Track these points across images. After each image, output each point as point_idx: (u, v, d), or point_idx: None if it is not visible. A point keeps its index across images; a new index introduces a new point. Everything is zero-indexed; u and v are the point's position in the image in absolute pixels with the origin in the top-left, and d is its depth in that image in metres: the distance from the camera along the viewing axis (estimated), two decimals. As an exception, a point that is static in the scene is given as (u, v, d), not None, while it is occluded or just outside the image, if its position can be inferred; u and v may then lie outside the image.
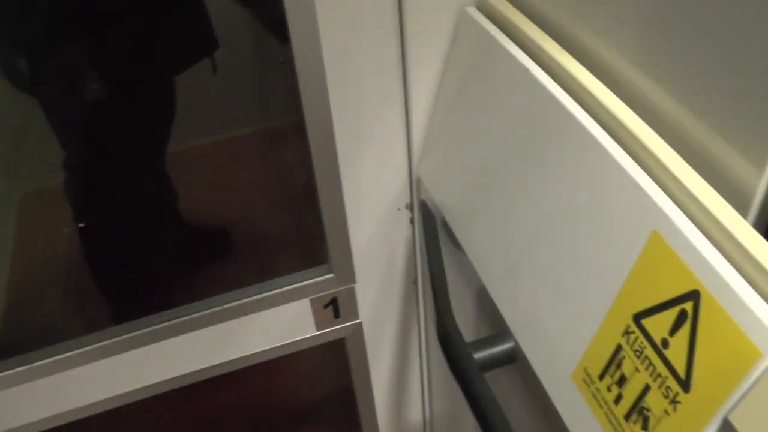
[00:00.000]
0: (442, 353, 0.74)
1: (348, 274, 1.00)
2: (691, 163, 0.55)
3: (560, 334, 0.62)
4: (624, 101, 0.61)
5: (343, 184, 0.90)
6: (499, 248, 0.71)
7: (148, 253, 1.76)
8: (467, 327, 0.79)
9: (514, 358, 0.69)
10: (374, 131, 0.88)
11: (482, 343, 0.69)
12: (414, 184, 0.94)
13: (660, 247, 0.52)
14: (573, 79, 0.65)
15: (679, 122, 0.58)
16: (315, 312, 1.02)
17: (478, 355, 0.68)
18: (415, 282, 1.06)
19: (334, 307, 1.03)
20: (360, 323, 1.07)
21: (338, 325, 1.06)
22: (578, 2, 0.68)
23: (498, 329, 0.74)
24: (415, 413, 1.31)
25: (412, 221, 0.98)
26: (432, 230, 0.82)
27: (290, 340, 1.04)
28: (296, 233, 1.93)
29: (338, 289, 1.01)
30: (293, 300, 0.99)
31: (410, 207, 0.96)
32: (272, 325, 1.01)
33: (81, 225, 1.67)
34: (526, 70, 0.68)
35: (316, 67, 0.80)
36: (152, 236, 1.80)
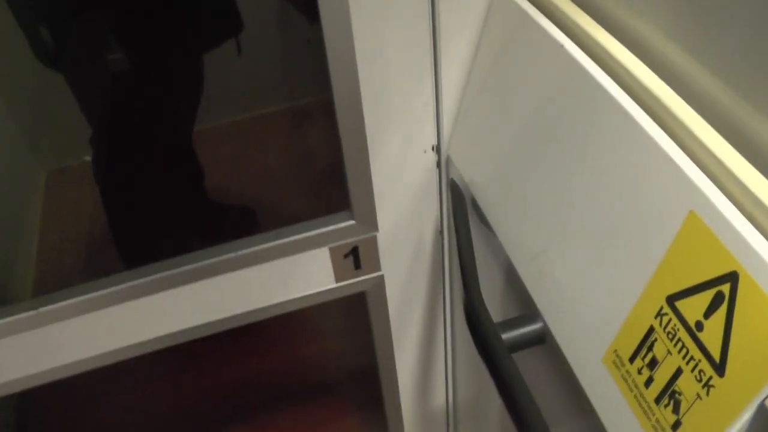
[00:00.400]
0: (467, 332, 0.74)
1: (370, 221, 0.95)
2: (731, 141, 0.53)
3: (591, 316, 0.61)
4: (660, 77, 0.60)
5: (371, 165, 0.89)
6: (529, 228, 0.70)
7: (174, 230, 1.78)
8: (494, 307, 0.78)
9: (543, 339, 0.68)
10: (403, 109, 0.87)
11: (510, 324, 0.68)
12: (443, 163, 0.93)
13: (697, 227, 0.50)
14: (608, 54, 0.63)
15: (718, 99, 0.56)
16: (334, 262, 0.98)
17: (506, 336, 0.67)
18: (442, 257, 1.05)
19: (355, 257, 0.99)
20: (381, 276, 1.04)
21: (359, 277, 1.02)
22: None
23: (525, 310, 0.73)
24: (438, 390, 1.30)
25: (440, 200, 0.97)
26: (461, 209, 0.81)
27: (309, 292, 1.01)
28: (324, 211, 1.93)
29: (360, 237, 0.97)
30: (312, 248, 0.95)
31: (438, 182, 0.95)
32: (290, 274, 0.98)
33: (107, 202, 1.68)
34: (561, 46, 0.66)
35: (346, 44, 0.78)
36: (179, 214, 1.81)
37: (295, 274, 0.98)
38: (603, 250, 0.60)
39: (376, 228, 0.97)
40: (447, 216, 0.97)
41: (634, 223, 0.57)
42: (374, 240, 0.98)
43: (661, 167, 0.55)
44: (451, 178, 0.89)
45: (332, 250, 0.96)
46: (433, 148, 0.92)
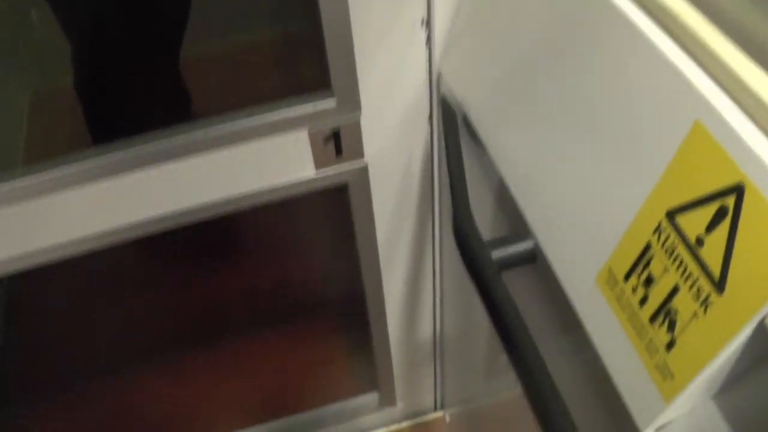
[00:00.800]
0: (456, 252, 0.71)
1: (352, 100, 0.88)
2: (739, 46, 0.50)
3: (585, 233, 0.59)
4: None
5: (353, 38, 0.83)
6: (523, 143, 0.67)
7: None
8: (484, 229, 0.76)
9: (534, 258, 0.66)
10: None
11: (501, 242, 0.66)
12: (434, 79, 0.89)
13: (702, 137, 0.47)
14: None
15: (725, 1, 0.53)
16: (314, 147, 0.91)
17: (496, 254, 0.65)
18: (432, 175, 1.02)
19: (336, 142, 0.92)
20: (366, 166, 0.97)
21: (340, 164, 0.95)
22: None
23: (517, 231, 0.71)
24: (425, 314, 1.29)
25: (430, 120, 0.94)
26: (452, 126, 0.78)
27: (286, 180, 0.94)
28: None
29: (341, 118, 0.89)
30: (289, 129, 0.88)
31: (430, 105, 0.92)
32: (265, 159, 0.92)
33: (91, 127, 1.64)
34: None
35: None
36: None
37: (271, 160, 0.92)
38: (601, 164, 0.57)
39: (358, 107, 0.89)
40: (437, 136, 0.94)
41: (635, 135, 0.54)
42: (357, 125, 0.92)
43: (664, 74, 0.51)
44: (443, 94, 0.85)
45: (312, 135, 0.90)
46: (422, 22, 0.84)
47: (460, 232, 0.66)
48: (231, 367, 1.65)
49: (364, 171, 0.97)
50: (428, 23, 0.85)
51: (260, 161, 0.92)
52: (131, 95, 1.64)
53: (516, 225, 0.71)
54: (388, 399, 1.38)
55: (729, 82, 0.48)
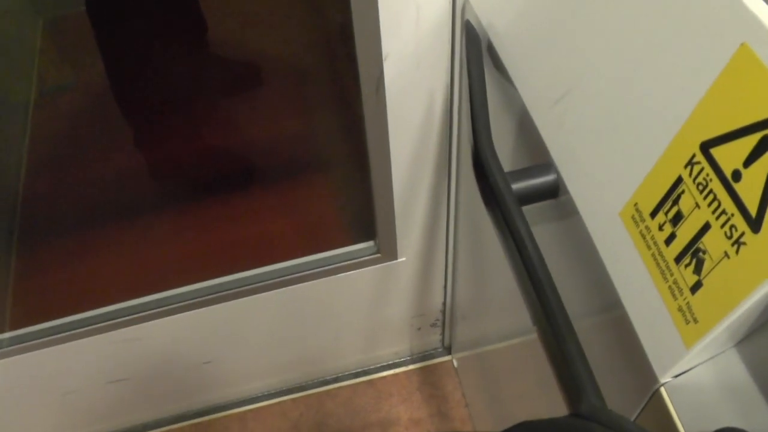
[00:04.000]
0: (473, 189, 0.68)
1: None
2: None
3: (612, 166, 0.55)
4: None
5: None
6: (551, 69, 0.63)
7: (176, 81, 1.71)
8: (505, 162, 0.72)
9: (556, 193, 0.62)
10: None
11: (521, 174, 0.62)
12: (458, 5, 0.84)
13: (748, 61, 0.43)
14: None
15: None
16: None
17: (516, 186, 0.61)
18: (450, 105, 0.97)
19: None
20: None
21: None
22: None
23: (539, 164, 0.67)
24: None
25: (452, 47, 0.89)
26: (476, 52, 0.73)
27: None
28: (328, 68, 1.86)
29: None
30: None
31: (452, 31, 0.87)
32: None
33: (103, 50, 1.61)
34: None
35: None
36: (180, 65, 1.74)
37: None
38: (633, 90, 0.53)
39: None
40: (459, 63, 0.89)
41: (673, 57, 0.50)
42: None
43: (711, -7, 0.47)
44: (467, 20, 0.81)
45: None
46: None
47: (479, 161, 0.63)
48: (226, 217, 1.65)
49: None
50: (453, 27, 0.82)
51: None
52: (146, 18, 1.60)
53: (538, 159, 0.67)
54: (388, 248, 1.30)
55: (782, 2, 0.44)
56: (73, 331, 1.24)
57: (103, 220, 1.66)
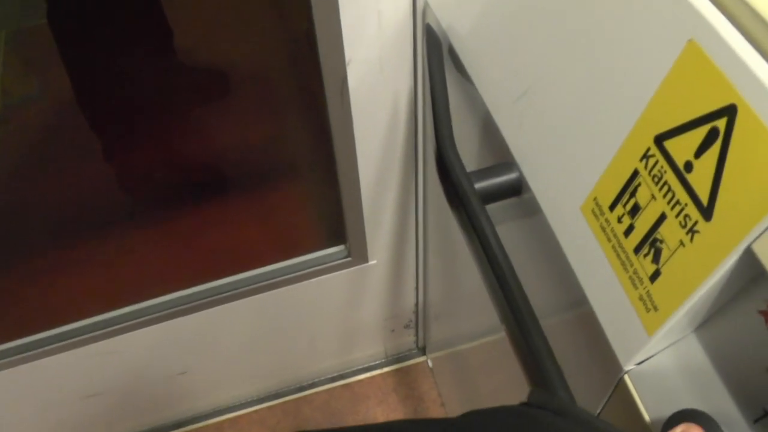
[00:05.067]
0: (438, 188, 0.69)
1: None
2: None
3: (571, 162, 0.57)
4: None
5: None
6: (510, 69, 0.64)
7: (141, 91, 1.70)
8: (469, 163, 0.74)
9: (518, 191, 0.64)
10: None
11: (484, 173, 0.64)
12: (419, 9, 0.85)
13: (696, 56, 0.45)
14: None
15: None
16: None
17: (480, 185, 0.62)
18: (415, 108, 0.99)
19: None
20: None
21: None
22: None
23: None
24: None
25: (414, 50, 0.90)
26: (437, 56, 0.75)
27: None
28: (292, 75, 1.86)
29: None
30: None
31: (413, 35, 0.88)
32: None
33: (66, 60, 1.59)
34: None
35: None
36: (146, 74, 1.73)
37: None
38: (588, 87, 0.55)
39: None
40: (422, 67, 0.90)
41: (624, 56, 0.51)
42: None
43: (658, -9, 0.49)
44: (428, 23, 0.82)
45: None
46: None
47: (442, 162, 0.64)
48: (196, 226, 1.64)
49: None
50: (414, 26, 0.83)
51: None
52: (107, 28, 1.59)
53: (501, 159, 0.69)
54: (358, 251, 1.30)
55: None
56: (46, 347, 1.23)
57: (74, 233, 1.65)
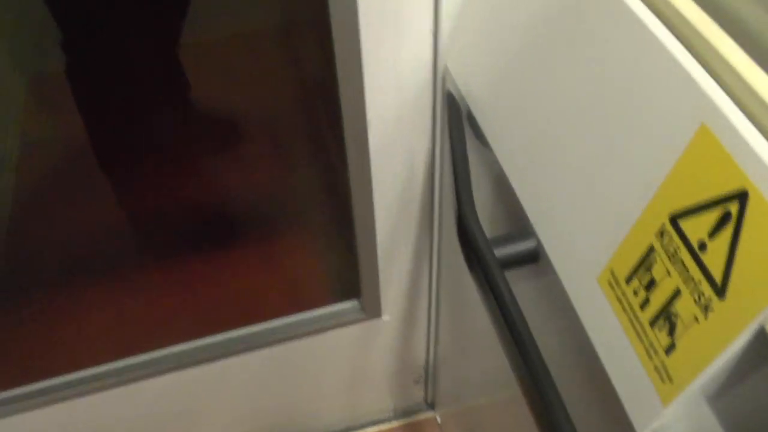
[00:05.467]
0: (453, 254, 0.71)
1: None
2: (747, 50, 0.50)
3: (588, 234, 0.59)
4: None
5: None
6: (527, 138, 0.67)
7: (156, 139, 1.74)
8: (484, 222, 0.76)
9: (536, 258, 0.66)
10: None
11: (503, 240, 0.66)
12: (439, 75, 0.89)
13: (708, 141, 0.47)
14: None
15: (734, 4, 0.53)
16: None
17: (499, 252, 0.65)
18: (432, 171, 1.01)
19: None
20: None
21: None
22: None
23: (518, 229, 0.70)
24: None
25: (433, 115, 0.94)
26: (458, 122, 0.78)
27: None
28: (308, 127, 1.89)
29: None
30: None
31: (433, 100, 0.92)
32: None
33: (82, 108, 1.63)
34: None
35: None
36: (161, 123, 1.77)
37: None
38: (605, 163, 0.57)
39: None
40: (440, 131, 0.94)
41: (640, 135, 0.54)
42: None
43: (671, 75, 0.51)
44: (448, 89, 0.85)
45: None
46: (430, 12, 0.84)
47: (464, 228, 0.66)
48: (205, 275, 1.64)
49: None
50: (435, 14, 0.85)
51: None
52: (125, 83, 1.63)
53: (515, 224, 0.71)
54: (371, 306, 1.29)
55: (735, 86, 0.48)
56: (45, 397, 1.21)
57: (80, 277, 1.66)
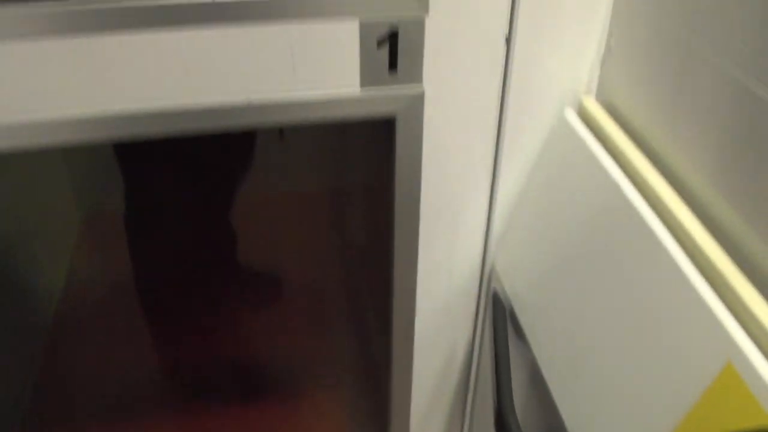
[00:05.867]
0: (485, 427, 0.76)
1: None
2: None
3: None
4: (704, 224, 0.64)
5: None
6: (567, 347, 0.73)
7: (199, 286, 1.79)
8: (517, 410, 0.81)
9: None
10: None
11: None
12: (486, 272, 0.97)
13: (732, 378, 0.53)
14: (658, 198, 0.68)
15: (759, 251, 0.60)
16: (363, 48, 0.72)
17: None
18: (471, 358, 1.07)
19: (392, 48, 0.73)
20: (422, 93, 0.78)
21: (392, 85, 0.76)
22: (665, 120, 0.70)
23: (547, 422, 0.75)
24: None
25: (477, 309, 1.00)
26: (501, 321, 0.85)
27: (323, 90, 0.74)
28: (350, 294, 1.94)
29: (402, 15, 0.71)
30: (335, 14, 0.69)
31: (478, 295, 0.99)
32: (300, 51, 0.71)
33: (135, 253, 1.69)
34: (617, 187, 0.71)
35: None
36: (206, 272, 1.82)
37: (307, 53, 0.72)
38: (635, 386, 0.63)
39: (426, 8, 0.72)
40: (482, 320, 1.00)
41: (669, 363, 0.60)
42: (421, 28, 0.73)
43: (701, 315, 0.58)
44: (494, 288, 0.93)
45: (364, 27, 0.71)
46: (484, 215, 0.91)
47: (502, 423, 0.71)
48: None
49: (419, 100, 0.79)
50: (489, 216, 0.93)
51: (293, 52, 0.72)
52: (178, 233, 1.70)
53: (550, 415, 0.75)
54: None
55: (756, 330, 0.55)
56: None
57: (109, 418, 1.67)
